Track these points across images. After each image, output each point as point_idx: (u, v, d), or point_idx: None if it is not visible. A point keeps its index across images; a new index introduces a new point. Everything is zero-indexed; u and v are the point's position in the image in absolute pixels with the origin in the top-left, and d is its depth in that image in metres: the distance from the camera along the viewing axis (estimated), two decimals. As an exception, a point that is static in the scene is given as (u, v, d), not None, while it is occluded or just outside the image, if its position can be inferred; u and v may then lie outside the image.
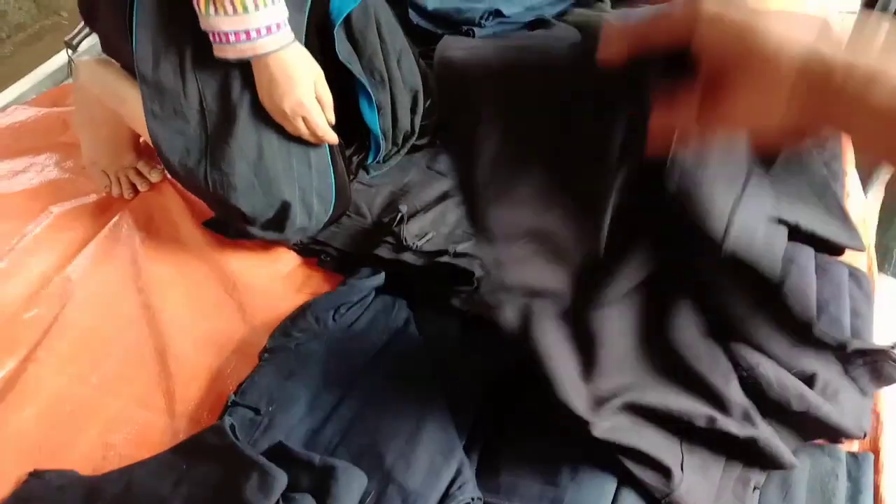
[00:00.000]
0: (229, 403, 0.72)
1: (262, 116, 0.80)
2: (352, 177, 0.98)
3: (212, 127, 0.79)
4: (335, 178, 0.86)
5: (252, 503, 0.58)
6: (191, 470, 0.64)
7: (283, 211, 0.84)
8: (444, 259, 0.81)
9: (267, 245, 0.95)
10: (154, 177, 1.06)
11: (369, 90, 0.91)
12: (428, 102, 1.00)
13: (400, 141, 1.00)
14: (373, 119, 0.93)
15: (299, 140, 0.83)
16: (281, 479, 0.59)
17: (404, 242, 0.85)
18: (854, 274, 0.88)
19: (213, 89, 0.79)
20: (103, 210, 1.05)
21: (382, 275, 0.84)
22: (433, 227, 0.89)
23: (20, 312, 0.89)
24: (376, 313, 0.80)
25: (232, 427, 0.67)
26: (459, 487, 0.62)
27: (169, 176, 0.97)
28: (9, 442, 0.76)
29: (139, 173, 1.07)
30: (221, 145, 0.79)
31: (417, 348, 0.76)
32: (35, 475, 0.72)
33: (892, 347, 0.72)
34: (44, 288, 0.92)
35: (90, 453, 0.75)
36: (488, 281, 0.80)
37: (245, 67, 0.78)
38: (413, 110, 0.99)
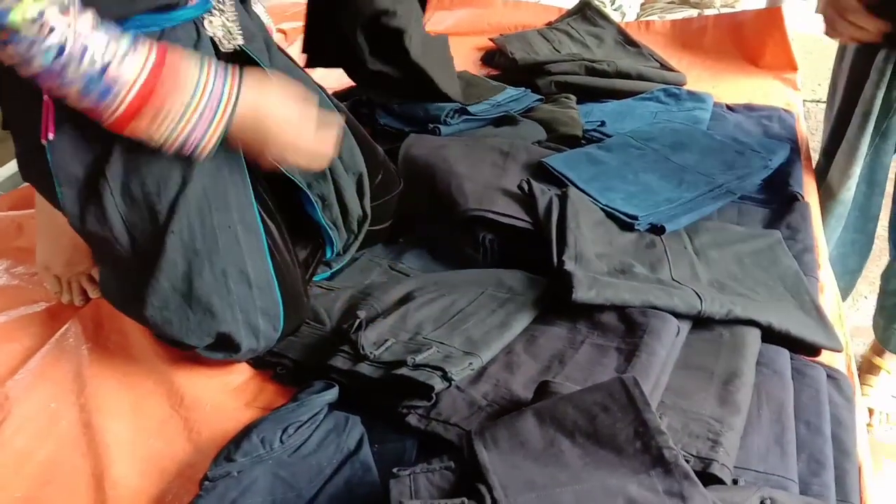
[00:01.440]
0: (163, 540, 0.66)
1: (191, 247, 0.76)
2: (309, 279, 0.94)
3: (140, 263, 0.76)
4: (282, 291, 0.82)
5: None
6: None
7: (227, 338, 0.80)
8: (403, 371, 0.77)
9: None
10: (107, 283, 1.02)
11: (301, 185, 0.88)
12: (378, 178, 0.98)
13: (355, 227, 0.97)
14: (315, 212, 0.91)
15: (234, 259, 0.79)
16: None
17: (361, 351, 0.81)
18: (833, 376, 0.84)
19: (141, 226, 0.76)
20: (52, 318, 1.01)
21: (336, 389, 0.79)
22: (392, 332, 0.85)
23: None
24: (327, 433, 0.75)
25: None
26: None
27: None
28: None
29: (92, 279, 1.03)
30: (151, 282, 0.76)
31: (369, 476, 0.71)
32: None
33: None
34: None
35: None
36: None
37: (171, 195, 0.75)
38: (360, 193, 0.96)
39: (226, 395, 0.87)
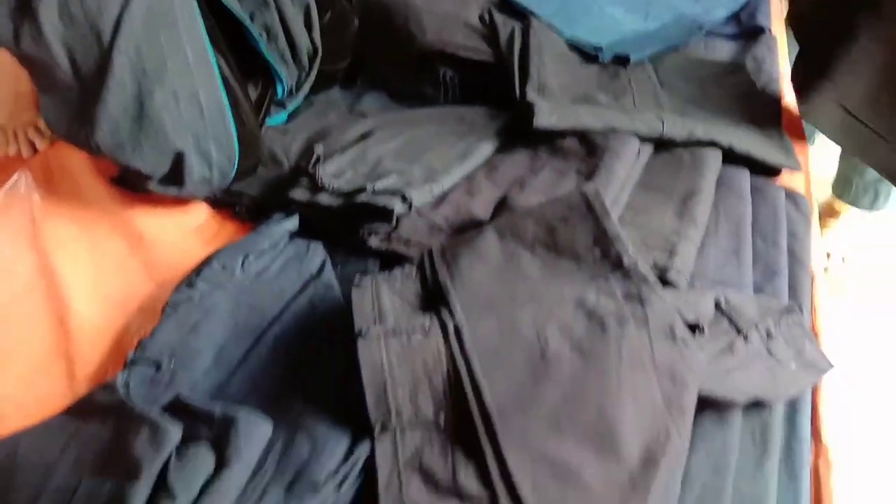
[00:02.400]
0: (128, 361, 0.66)
1: (139, 67, 0.72)
2: (263, 119, 0.91)
3: (87, 88, 0.72)
4: (236, 126, 0.79)
5: (142, 458, 0.53)
6: (80, 431, 0.59)
7: (178, 162, 0.77)
8: (363, 197, 0.76)
9: (177, 197, 0.88)
10: (54, 133, 0.98)
11: (238, 15, 0.83)
12: (329, 13, 0.93)
13: (305, 62, 0.93)
14: (260, 45, 0.86)
15: (185, 82, 0.75)
16: (173, 432, 0.54)
17: (320, 183, 0.79)
18: (791, 195, 0.85)
19: (83, 46, 0.71)
20: None
21: (296, 218, 0.78)
22: (351, 166, 0.83)
23: None
24: (288, 260, 0.75)
25: (126, 384, 0.62)
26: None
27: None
28: None
29: (38, 130, 0.99)
30: (99, 105, 0.72)
31: (332, 293, 0.71)
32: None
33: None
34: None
35: (-19, 426, 0.68)
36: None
37: (114, 12, 0.70)
38: (308, 24, 0.92)
39: (185, 235, 0.86)
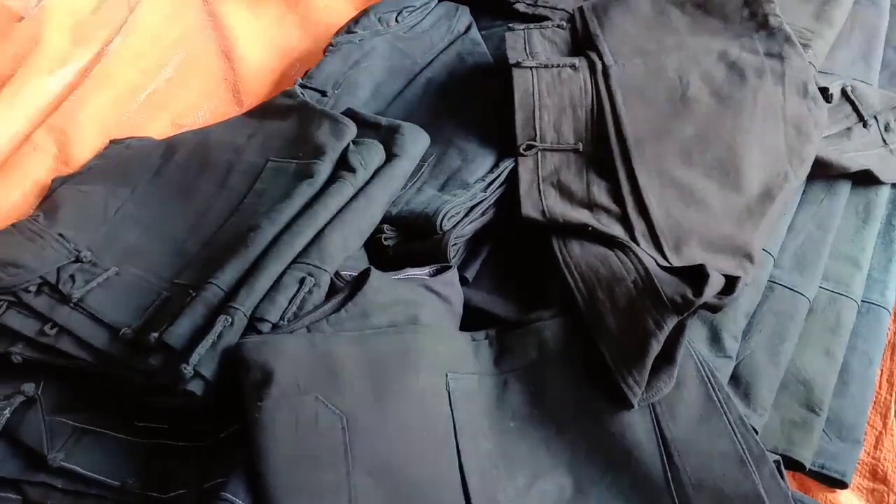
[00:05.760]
0: (297, 85, 0.75)
1: None
2: None
3: None
4: None
5: (325, 144, 0.61)
6: (264, 125, 0.68)
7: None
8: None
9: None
10: None
11: None
12: None
13: None
14: None
15: None
16: (351, 126, 0.63)
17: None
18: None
19: None
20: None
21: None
22: None
23: (91, 14, 0.91)
24: (439, 18, 0.81)
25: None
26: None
27: None
28: (87, 119, 0.80)
29: None
30: None
31: (479, 49, 0.77)
32: (115, 141, 0.76)
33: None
34: (111, -5, 0.94)
35: (164, 132, 0.79)
36: None
37: None
38: None
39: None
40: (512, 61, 0.65)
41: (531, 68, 0.64)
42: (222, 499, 0.42)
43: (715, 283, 0.50)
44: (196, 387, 0.47)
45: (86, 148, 0.78)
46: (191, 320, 0.50)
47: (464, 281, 0.60)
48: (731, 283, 0.52)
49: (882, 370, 0.61)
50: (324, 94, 0.74)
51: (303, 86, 0.74)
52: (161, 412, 0.53)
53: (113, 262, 0.60)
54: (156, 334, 0.50)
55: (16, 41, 0.86)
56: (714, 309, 0.52)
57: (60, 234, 0.62)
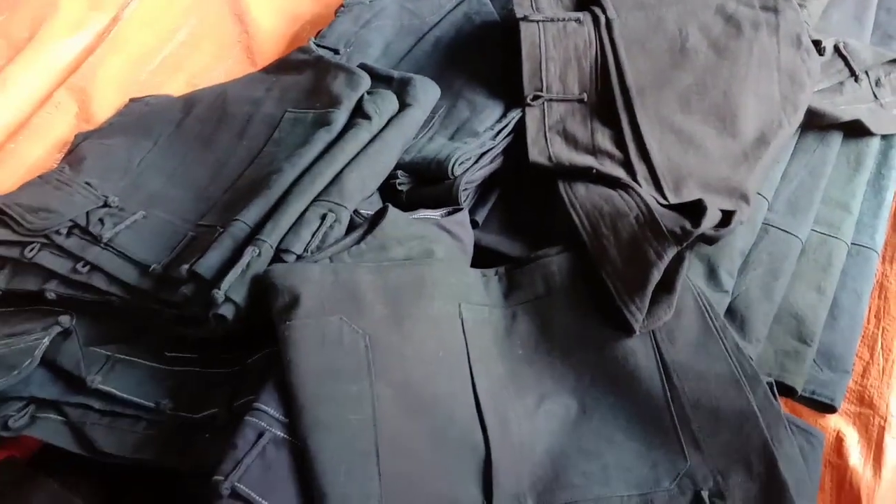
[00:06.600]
0: (310, 42, 0.77)
1: None
2: None
3: None
4: None
5: (340, 94, 0.64)
6: (280, 79, 0.71)
7: None
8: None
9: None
10: None
11: None
12: None
13: None
14: None
15: None
16: (366, 77, 0.65)
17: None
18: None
19: None
20: None
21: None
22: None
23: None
24: (447, -21, 0.84)
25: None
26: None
27: None
28: (105, 80, 0.83)
29: None
30: None
31: (486, 9, 0.80)
32: (134, 100, 0.79)
33: None
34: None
35: (180, 91, 0.81)
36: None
37: None
38: None
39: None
40: (519, 15, 0.68)
41: (538, 22, 0.67)
42: (255, 408, 0.45)
43: (712, 216, 0.53)
44: (227, 311, 0.50)
45: (106, 106, 0.80)
46: (220, 252, 0.53)
47: (474, 224, 0.63)
48: (727, 217, 0.55)
49: (870, 307, 0.65)
50: (336, 52, 0.76)
51: (316, 45, 0.76)
52: (189, 343, 0.56)
53: (139, 208, 0.62)
54: (186, 266, 0.53)
55: (33, 5, 0.89)
56: (711, 241, 0.55)
57: (87, 183, 0.65)
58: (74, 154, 0.73)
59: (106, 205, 0.63)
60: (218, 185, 0.64)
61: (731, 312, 0.59)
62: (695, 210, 0.54)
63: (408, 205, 0.63)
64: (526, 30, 0.66)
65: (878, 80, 0.74)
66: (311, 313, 0.48)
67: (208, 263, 0.53)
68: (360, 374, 0.47)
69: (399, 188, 0.64)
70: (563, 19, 0.67)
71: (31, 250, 0.60)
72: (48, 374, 0.54)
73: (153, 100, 0.78)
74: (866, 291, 0.64)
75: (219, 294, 0.50)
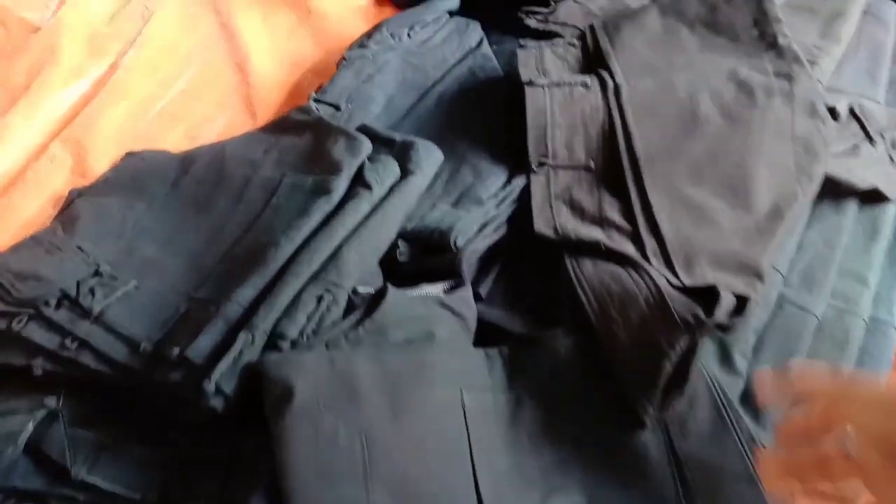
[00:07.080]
0: (311, 100, 0.76)
1: None
2: None
3: None
4: None
5: (341, 161, 0.62)
6: (280, 140, 0.69)
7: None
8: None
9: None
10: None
11: None
12: None
13: None
14: None
15: None
16: (367, 142, 0.64)
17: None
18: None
19: None
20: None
21: (457, -1, 0.85)
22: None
23: (104, 27, 0.92)
24: (450, 33, 0.82)
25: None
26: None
27: None
28: (103, 131, 0.82)
29: None
30: None
31: (490, 64, 0.78)
32: (131, 154, 0.77)
33: None
34: (124, 7, 0.95)
35: (178, 144, 0.80)
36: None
37: None
38: None
39: (350, 12, 0.94)
40: (525, 79, 0.66)
41: (544, 87, 0.65)
42: (246, 512, 0.43)
43: (726, 304, 0.51)
44: (217, 403, 0.48)
45: (102, 159, 0.79)
46: (212, 336, 0.51)
47: (477, 297, 0.61)
48: (742, 304, 0.53)
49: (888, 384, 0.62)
50: (337, 108, 0.75)
51: (316, 100, 0.75)
52: (180, 424, 0.54)
53: (131, 276, 0.60)
54: (177, 349, 0.51)
55: (32, 53, 0.88)
56: (725, 329, 0.53)
57: (79, 247, 0.63)
58: (68, 213, 0.71)
59: (97, 273, 0.61)
60: (213, 253, 0.62)
61: (745, 397, 0.56)
62: (709, 295, 0.52)
63: (408, 275, 0.61)
64: (532, 95, 0.65)
65: (894, 141, 0.72)
66: (305, 409, 0.46)
67: (200, 347, 0.51)
68: (355, 476, 0.44)
69: (399, 258, 0.62)
70: (570, 83, 0.65)
71: (20, 322, 0.58)
72: (31, 463, 0.52)
73: (149, 155, 0.76)
74: (885, 370, 0.61)
75: (209, 386, 0.47)
